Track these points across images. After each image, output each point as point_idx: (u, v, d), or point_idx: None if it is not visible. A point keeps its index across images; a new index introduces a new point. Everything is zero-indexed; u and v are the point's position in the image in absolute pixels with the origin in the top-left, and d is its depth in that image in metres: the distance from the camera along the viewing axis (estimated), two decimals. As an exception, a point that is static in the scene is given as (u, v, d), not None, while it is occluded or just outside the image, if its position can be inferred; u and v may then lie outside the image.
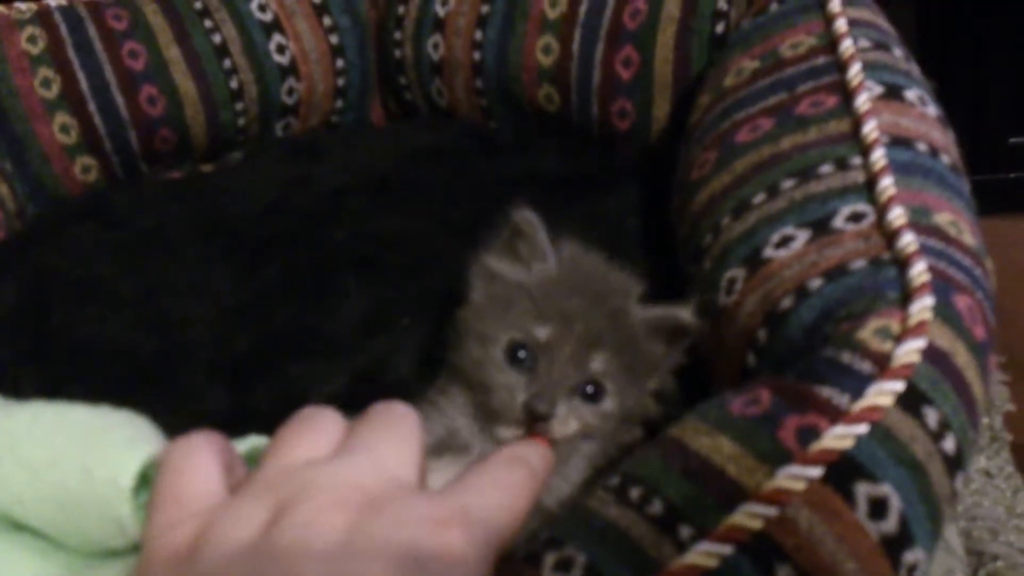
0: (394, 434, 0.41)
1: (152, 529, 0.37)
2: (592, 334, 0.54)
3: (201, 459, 0.39)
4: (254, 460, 0.41)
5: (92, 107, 0.91)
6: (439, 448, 0.58)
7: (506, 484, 0.42)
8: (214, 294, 0.78)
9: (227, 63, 0.98)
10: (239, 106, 0.99)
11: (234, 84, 0.98)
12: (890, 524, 0.41)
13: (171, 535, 0.37)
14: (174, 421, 0.65)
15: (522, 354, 0.54)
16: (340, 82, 1.07)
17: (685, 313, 0.55)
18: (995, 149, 1.58)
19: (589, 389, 0.52)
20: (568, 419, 0.53)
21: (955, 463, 0.44)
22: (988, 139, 1.58)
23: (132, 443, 0.40)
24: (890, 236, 0.52)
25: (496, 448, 0.55)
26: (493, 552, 0.38)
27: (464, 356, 0.58)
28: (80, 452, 0.39)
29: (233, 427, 0.45)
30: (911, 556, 0.41)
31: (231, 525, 0.36)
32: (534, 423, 0.54)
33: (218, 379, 0.70)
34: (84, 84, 0.90)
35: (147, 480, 0.40)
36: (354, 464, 0.38)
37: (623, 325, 0.57)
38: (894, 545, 0.41)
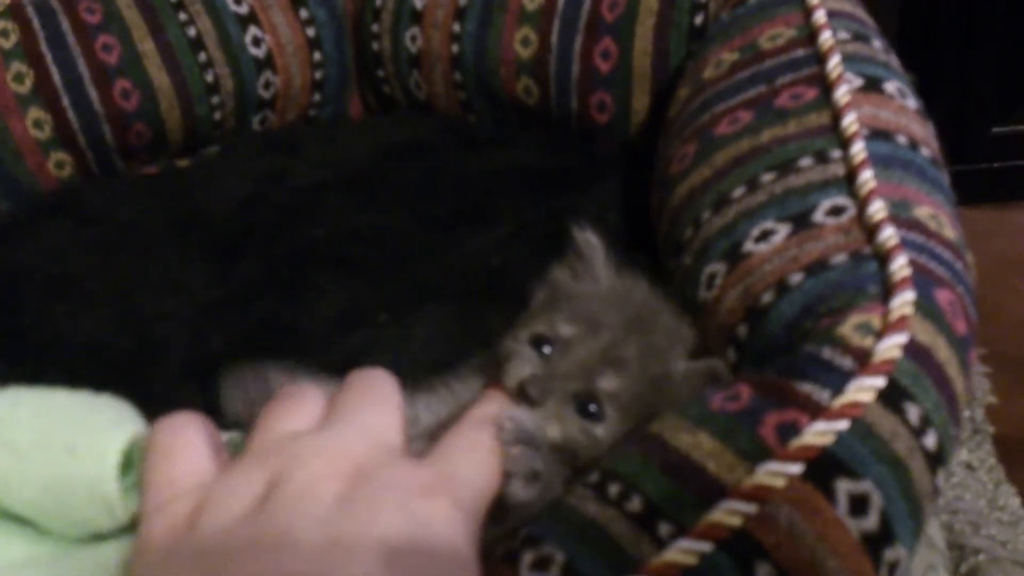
0: (375, 400, 0.42)
1: (147, 509, 0.38)
2: (615, 353, 0.52)
3: (189, 438, 0.40)
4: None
5: (66, 101, 0.90)
6: (440, 428, 0.57)
7: (483, 446, 0.44)
8: (189, 291, 0.77)
9: (202, 56, 0.96)
10: (215, 100, 0.98)
11: (209, 78, 0.97)
12: (871, 521, 0.41)
13: (167, 513, 0.37)
14: (149, 419, 0.65)
15: (546, 348, 0.54)
16: (317, 75, 1.06)
17: (721, 365, 0.54)
18: (978, 138, 1.59)
19: (591, 407, 0.51)
20: (551, 422, 0.51)
21: (936, 459, 0.44)
22: (971, 128, 1.58)
23: (116, 423, 0.40)
24: (871, 230, 0.52)
25: None
26: (479, 514, 0.40)
27: (501, 346, 0.57)
28: (64, 433, 0.40)
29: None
30: (892, 553, 0.41)
31: (226, 498, 0.37)
32: (520, 405, 0.53)
33: (193, 376, 0.69)
34: (57, 78, 0.89)
35: (131, 462, 0.40)
36: (340, 433, 0.39)
37: (654, 367, 0.54)
38: (875, 542, 0.41)
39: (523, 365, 0.53)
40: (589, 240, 0.59)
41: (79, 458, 0.39)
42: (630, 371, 0.52)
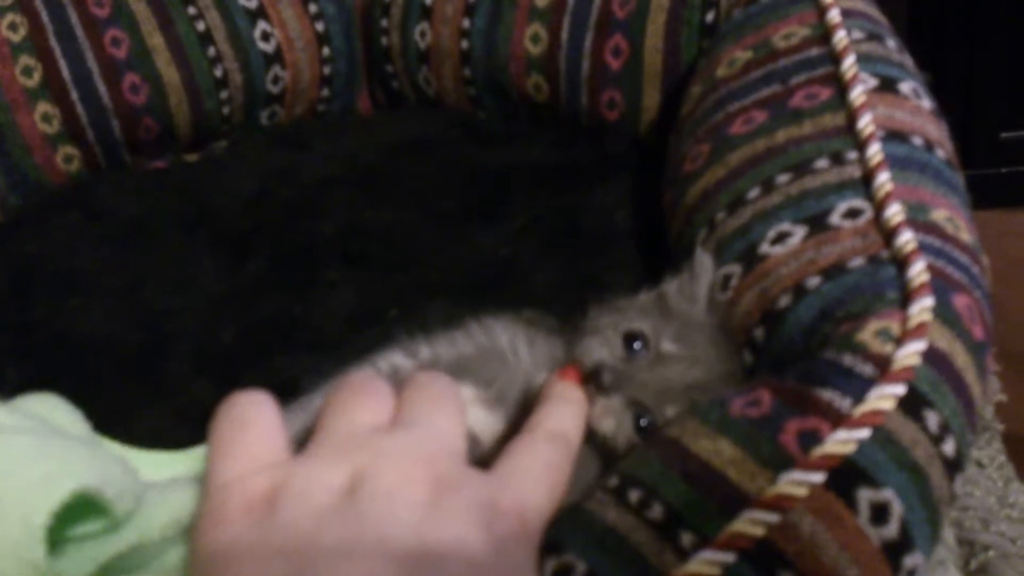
0: (443, 404, 0.42)
1: (219, 478, 0.38)
2: (691, 389, 0.52)
3: (265, 415, 0.41)
4: None
5: (74, 96, 0.89)
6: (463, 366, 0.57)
7: (554, 467, 0.44)
8: (199, 285, 0.78)
9: (211, 51, 0.96)
10: (224, 94, 0.98)
11: (218, 72, 0.97)
12: (891, 529, 0.41)
13: (244, 488, 0.37)
14: (158, 413, 0.65)
15: (637, 345, 0.53)
16: (326, 70, 1.06)
17: None
18: (987, 143, 1.58)
19: (643, 422, 0.51)
20: (609, 416, 0.51)
21: (954, 466, 0.44)
22: (980, 134, 1.58)
23: (52, 478, 0.37)
24: (888, 234, 0.52)
25: (519, 381, 0.55)
26: (541, 533, 0.40)
27: (593, 315, 0.57)
28: None
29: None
30: (911, 560, 0.41)
31: (309, 484, 0.37)
32: (586, 385, 0.52)
33: (203, 371, 0.70)
34: (66, 72, 0.89)
35: (91, 505, 0.38)
36: (418, 437, 0.39)
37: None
38: (895, 550, 0.41)
39: (607, 350, 0.53)
40: (704, 260, 0.58)
41: (6, 518, 0.36)
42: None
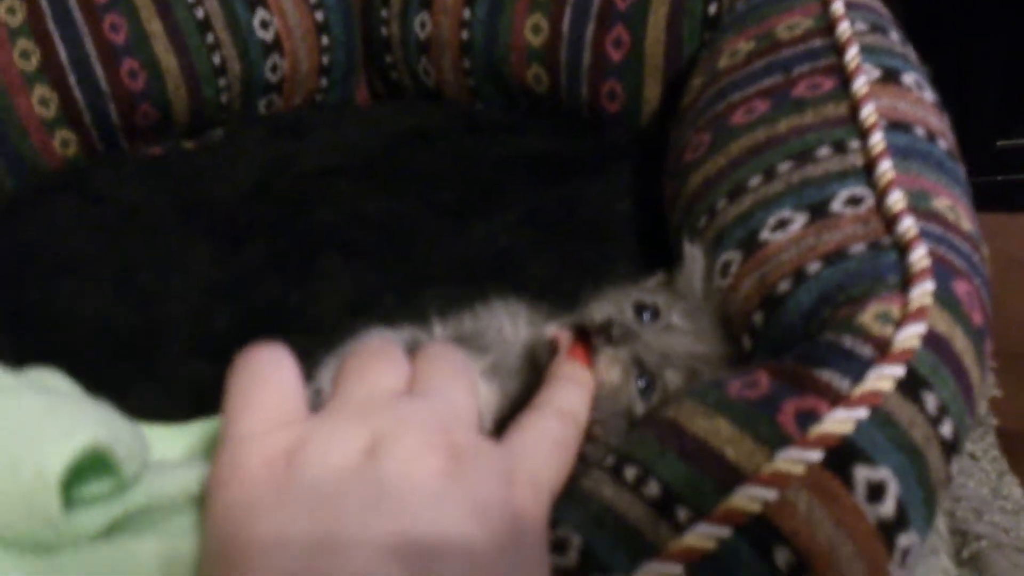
0: (457, 376, 0.42)
1: (236, 432, 0.38)
2: (693, 362, 0.53)
3: (285, 371, 0.40)
4: None
5: (72, 80, 0.89)
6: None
7: (563, 444, 0.44)
8: (195, 272, 0.77)
9: (210, 38, 0.96)
10: (222, 82, 0.97)
11: (216, 59, 0.96)
12: (887, 508, 0.41)
13: (264, 443, 0.37)
14: (153, 396, 0.65)
15: (646, 315, 0.54)
16: (325, 60, 1.06)
17: None
18: (983, 152, 1.58)
19: (641, 383, 0.51)
20: (616, 366, 0.51)
21: (952, 448, 0.44)
22: (976, 142, 1.57)
23: (65, 432, 0.36)
24: (889, 220, 0.52)
25: (516, 352, 0.55)
26: (550, 509, 0.40)
27: (603, 289, 0.58)
28: (10, 441, 0.36)
29: (213, 404, 0.44)
30: (906, 540, 0.41)
31: (329, 444, 0.37)
32: (593, 341, 0.53)
33: (198, 355, 0.69)
34: (64, 56, 0.88)
35: (101, 464, 0.37)
36: (436, 406, 0.39)
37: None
38: (890, 529, 0.41)
39: (618, 311, 0.54)
40: (694, 252, 0.59)
41: (20, 471, 0.35)
42: (687, 385, 0.52)
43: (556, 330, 0.54)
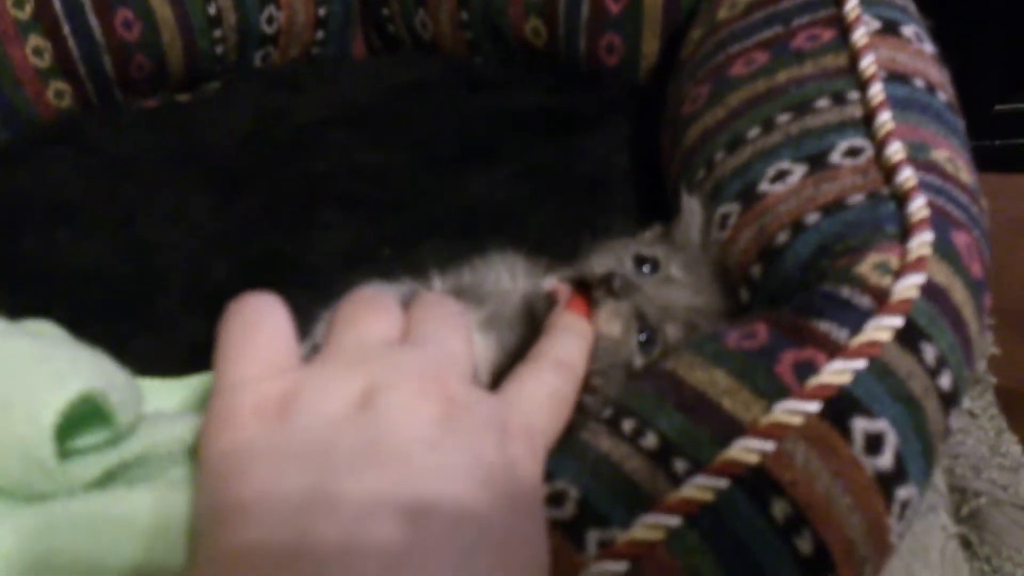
0: (452, 326, 0.42)
1: (228, 379, 0.37)
2: (692, 315, 0.53)
3: (277, 319, 0.40)
4: None
5: (66, 30, 0.88)
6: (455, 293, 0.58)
7: (560, 396, 0.44)
8: (191, 222, 0.77)
9: (205, -12, 0.95)
10: (217, 33, 0.96)
11: (212, 10, 0.95)
12: (885, 460, 0.40)
13: (255, 391, 0.37)
14: (148, 346, 0.65)
15: (646, 268, 0.54)
16: (321, 12, 1.05)
17: None
18: (981, 116, 1.57)
19: (642, 336, 0.52)
20: (617, 319, 0.51)
21: (950, 400, 0.44)
22: (974, 106, 1.56)
23: (60, 378, 0.36)
24: (888, 171, 0.51)
25: (513, 304, 0.55)
26: (545, 460, 0.40)
27: (600, 244, 0.58)
28: (2, 386, 0.36)
29: (208, 355, 0.43)
30: (904, 492, 0.41)
31: (323, 392, 0.36)
32: (595, 293, 0.52)
33: (194, 306, 0.69)
34: (58, 5, 0.87)
35: (95, 413, 0.37)
36: (431, 355, 0.39)
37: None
38: (889, 481, 0.41)
39: (619, 265, 0.54)
40: (692, 204, 0.59)
41: (13, 416, 0.35)
42: (689, 336, 0.52)
43: (555, 282, 0.54)
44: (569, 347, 0.48)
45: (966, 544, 0.68)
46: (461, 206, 0.77)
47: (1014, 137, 1.60)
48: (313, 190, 0.79)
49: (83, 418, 0.37)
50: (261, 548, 0.33)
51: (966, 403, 0.79)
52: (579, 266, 0.55)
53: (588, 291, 0.52)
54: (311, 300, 0.64)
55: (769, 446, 0.39)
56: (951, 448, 0.74)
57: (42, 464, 0.35)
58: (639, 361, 0.51)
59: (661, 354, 0.51)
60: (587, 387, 0.48)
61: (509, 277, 0.58)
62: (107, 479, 0.37)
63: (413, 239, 0.72)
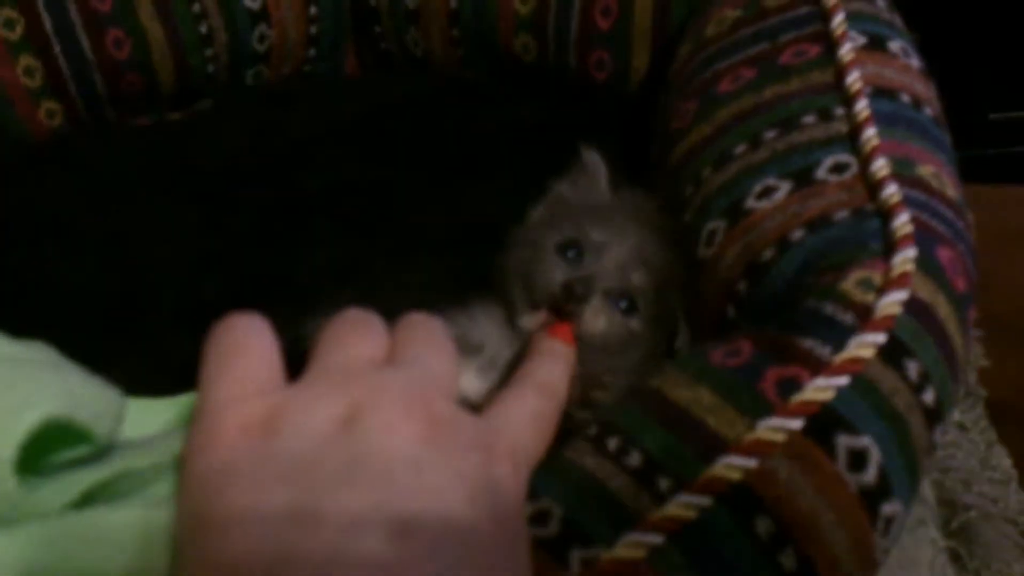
0: (438, 348, 0.42)
1: (212, 399, 0.37)
2: (639, 252, 0.56)
3: (263, 339, 0.40)
4: None
5: (57, 49, 0.88)
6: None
7: (543, 418, 0.44)
8: (181, 240, 0.77)
9: (196, 7, 0.95)
10: (208, 52, 0.97)
11: (203, 29, 0.96)
12: (869, 476, 0.41)
13: (240, 412, 0.37)
14: (138, 364, 0.65)
15: (572, 253, 0.57)
16: (313, 30, 1.05)
17: None
18: (976, 125, 1.58)
19: (623, 303, 0.53)
20: (599, 314, 0.53)
21: (935, 416, 0.44)
22: (969, 115, 1.56)
23: (22, 407, 0.35)
24: (873, 187, 0.51)
25: (511, 347, 0.57)
26: (528, 483, 0.40)
27: (512, 262, 0.60)
28: None
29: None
30: (889, 508, 0.41)
31: (307, 412, 0.36)
32: (566, 308, 0.54)
33: (184, 324, 0.69)
34: (48, 25, 0.88)
35: (70, 433, 0.37)
36: (416, 376, 0.39)
37: (663, 259, 0.59)
38: (873, 497, 0.41)
39: (558, 271, 0.56)
40: (593, 157, 0.63)
41: None
42: (654, 268, 0.56)
43: (536, 319, 0.55)
44: (552, 371, 0.48)
45: (956, 558, 0.68)
46: (452, 220, 0.77)
47: (1008, 146, 1.60)
48: (305, 207, 0.79)
49: (60, 434, 0.36)
50: (245, 564, 0.33)
51: (956, 416, 0.79)
52: (536, 298, 0.56)
53: (561, 312, 0.54)
54: (302, 316, 0.64)
55: (752, 463, 0.39)
56: (941, 461, 0.74)
57: (6, 497, 0.35)
58: (638, 325, 0.53)
59: (654, 301, 0.55)
60: (581, 402, 0.48)
61: (496, 325, 0.59)
62: (87, 499, 0.37)
63: (405, 254, 0.72)
